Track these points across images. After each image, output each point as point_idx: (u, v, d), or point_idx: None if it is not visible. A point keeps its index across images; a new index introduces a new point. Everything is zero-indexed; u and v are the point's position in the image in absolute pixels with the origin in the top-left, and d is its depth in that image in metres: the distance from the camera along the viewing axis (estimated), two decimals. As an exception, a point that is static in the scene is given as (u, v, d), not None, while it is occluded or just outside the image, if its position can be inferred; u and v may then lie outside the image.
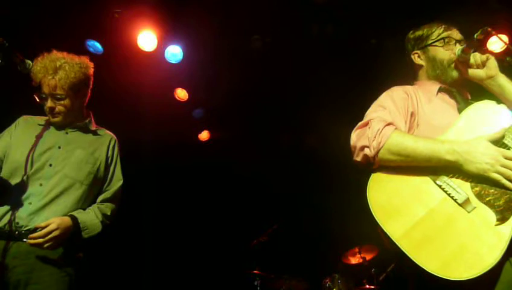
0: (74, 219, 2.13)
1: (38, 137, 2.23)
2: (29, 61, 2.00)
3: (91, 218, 2.22)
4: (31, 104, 2.28)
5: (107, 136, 2.46)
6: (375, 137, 1.65)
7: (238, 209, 5.49)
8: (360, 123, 1.78)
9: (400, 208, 1.55)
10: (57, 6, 3.48)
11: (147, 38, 3.98)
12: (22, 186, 2.11)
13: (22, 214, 2.05)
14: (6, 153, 2.18)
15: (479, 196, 1.49)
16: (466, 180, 1.54)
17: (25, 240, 1.99)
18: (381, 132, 1.65)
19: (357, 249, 4.59)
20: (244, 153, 5.21)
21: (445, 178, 1.56)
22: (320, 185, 5.32)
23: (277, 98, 4.88)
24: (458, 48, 1.83)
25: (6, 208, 2.07)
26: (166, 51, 4.20)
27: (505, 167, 1.48)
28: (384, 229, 1.50)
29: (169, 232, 5.21)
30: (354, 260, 4.68)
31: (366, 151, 1.67)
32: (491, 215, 1.43)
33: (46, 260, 2.02)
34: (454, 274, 1.36)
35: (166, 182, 5.22)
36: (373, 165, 1.69)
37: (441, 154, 1.55)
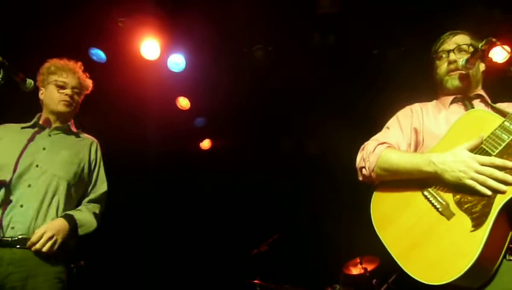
0: (69, 216, 2.15)
1: (29, 140, 2.23)
2: (30, 80, 2.02)
3: (85, 215, 2.25)
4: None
5: (88, 139, 2.50)
6: (368, 158, 1.81)
7: (238, 217, 5.47)
8: (362, 146, 1.93)
9: (394, 219, 1.68)
10: (60, 14, 3.50)
11: (150, 47, 4.00)
12: (9, 190, 2.08)
13: (17, 219, 2.03)
14: None
15: (459, 204, 1.52)
16: (448, 190, 1.58)
17: (18, 246, 1.99)
18: (373, 152, 1.81)
19: (358, 260, 4.55)
20: (245, 161, 5.20)
21: (430, 189, 1.62)
22: (321, 195, 5.30)
23: (279, 107, 4.88)
24: (462, 59, 1.84)
25: None
26: (169, 59, 4.22)
27: (478, 173, 1.48)
28: (381, 239, 1.66)
29: (169, 240, 5.19)
30: (356, 271, 4.63)
31: (364, 171, 1.84)
32: (467, 222, 1.46)
33: (41, 266, 2.01)
34: (433, 279, 1.43)
35: (167, 190, 5.21)
36: (374, 182, 1.84)
37: (419, 167, 1.63)
